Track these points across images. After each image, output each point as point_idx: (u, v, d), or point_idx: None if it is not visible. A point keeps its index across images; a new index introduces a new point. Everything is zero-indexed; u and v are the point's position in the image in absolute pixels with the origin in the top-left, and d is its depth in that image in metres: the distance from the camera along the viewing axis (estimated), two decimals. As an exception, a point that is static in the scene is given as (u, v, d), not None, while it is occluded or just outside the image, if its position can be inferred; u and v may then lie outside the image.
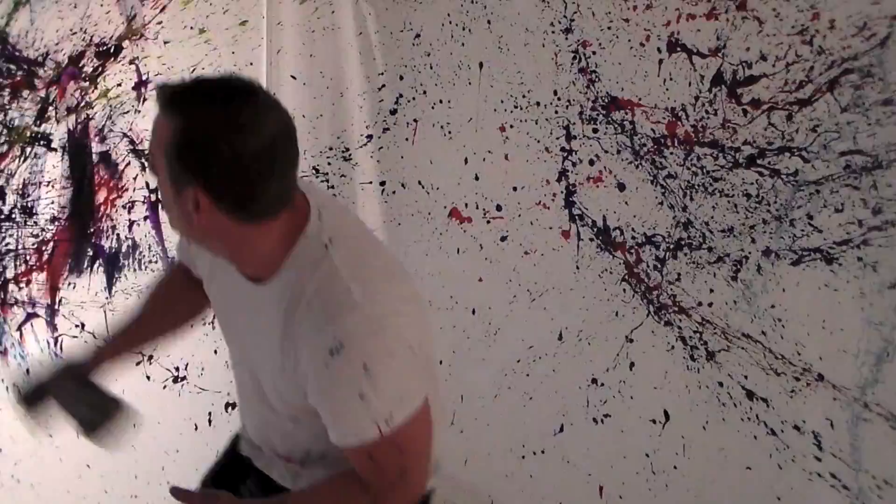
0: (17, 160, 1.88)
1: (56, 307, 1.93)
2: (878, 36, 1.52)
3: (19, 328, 1.87)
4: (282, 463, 1.31)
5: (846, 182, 1.60)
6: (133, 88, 2.03)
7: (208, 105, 1.00)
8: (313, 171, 2.39)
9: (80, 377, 1.28)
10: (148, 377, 2.03)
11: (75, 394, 1.27)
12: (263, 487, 1.33)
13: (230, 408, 2.24)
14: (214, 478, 1.46)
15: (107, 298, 2.00)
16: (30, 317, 1.90)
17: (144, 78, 2.02)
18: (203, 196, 1.01)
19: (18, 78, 1.80)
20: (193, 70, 2.10)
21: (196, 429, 2.16)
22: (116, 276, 2.02)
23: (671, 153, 1.82)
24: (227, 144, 0.99)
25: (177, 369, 2.12)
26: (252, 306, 1.14)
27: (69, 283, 1.94)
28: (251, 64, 2.24)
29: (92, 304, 1.98)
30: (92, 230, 1.97)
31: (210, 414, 2.19)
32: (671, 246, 1.85)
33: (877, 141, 1.56)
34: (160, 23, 2.01)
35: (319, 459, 1.24)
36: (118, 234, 2.02)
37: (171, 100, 1.03)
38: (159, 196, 1.11)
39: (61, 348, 1.93)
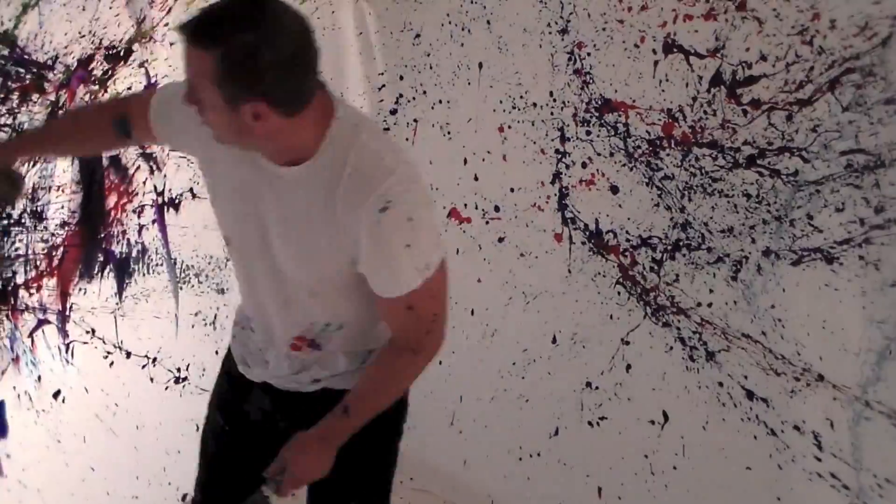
0: (26, 164, 1.89)
1: (67, 313, 1.95)
2: (879, 35, 1.50)
3: (31, 335, 1.88)
4: (288, 355, 1.41)
5: (847, 181, 1.59)
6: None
7: (239, 27, 1.11)
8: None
9: None
10: (151, 379, 2.05)
11: None
12: (271, 397, 1.47)
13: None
14: (223, 406, 1.58)
15: (117, 304, 2.02)
16: (41, 323, 1.91)
17: (153, 81, 2.03)
18: (261, 105, 1.13)
19: (28, 81, 1.81)
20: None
21: (198, 430, 2.17)
22: (127, 281, 2.04)
23: (667, 154, 1.81)
24: (269, 55, 1.10)
25: (178, 370, 2.13)
26: (284, 188, 1.26)
27: (80, 289, 1.96)
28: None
29: (102, 310, 2.00)
30: (102, 235, 1.99)
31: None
32: (668, 247, 1.85)
33: (879, 140, 1.54)
34: (167, 24, 2.02)
35: (336, 331, 1.37)
36: (128, 239, 2.03)
37: (200, 33, 1.13)
38: (205, 120, 1.20)
39: (72, 354, 1.95)
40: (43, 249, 1.91)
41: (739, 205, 1.74)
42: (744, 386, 1.79)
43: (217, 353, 2.16)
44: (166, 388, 2.11)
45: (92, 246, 1.98)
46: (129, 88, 1.98)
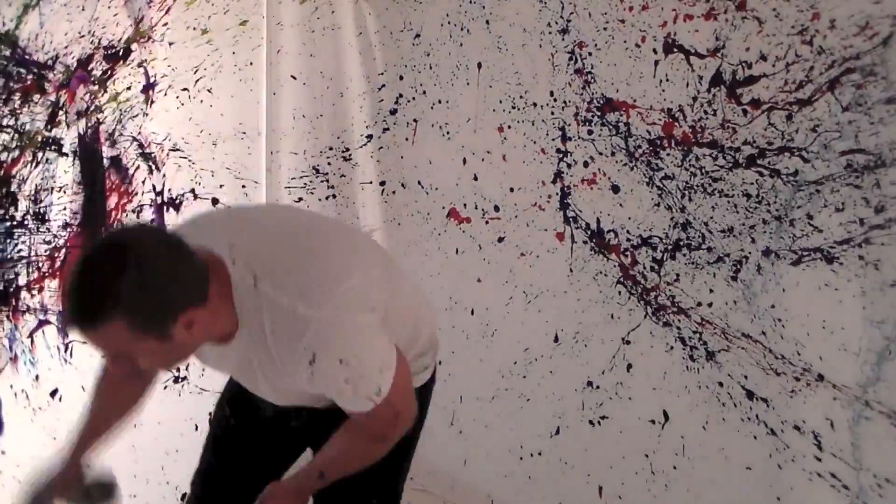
0: (28, 165, 1.88)
1: (69, 314, 1.94)
2: (880, 35, 1.50)
3: (31, 335, 1.88)
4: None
5: (847, 181, 1.59)
6: (142, 91, 2.04)
7: (117, 279, 1.07)
8: (313, 172, 2.39)
9: (69, 479, 1.43)
10: (164, 387, 2.05)
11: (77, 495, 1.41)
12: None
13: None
14: (233, 399, 1.60)
15: None
16: (42, 324, 1.90)
17: (152, 80, 2.03)
18: (186, 314, 1.12)
19: (29, 82, 1.80)
20: (196, 71, 2.11)
21: (196, 429, 2.17)
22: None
23: (668, 154, 1.81)
24: (161, 273, 1.09)
25: (177, 370, 2.13)
26: (238, 355, 1.28)
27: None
28: (251, 64, 2.25)
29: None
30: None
31: (211, 414, 2.20)
32: (669, 247, 1.85)
33: (879, 139, 1.54)
34: (165, 24, 2.01)
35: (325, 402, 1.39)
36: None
37: (91, 314, 1.09)
38: (146, 365, 1.21)
39: (71, 354, 1.94)
40: (45, 251, 1.91)
41: (739, 205, 1.73)
42: (744, 386, 1.79)
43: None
44: (165, 388, 2.10)
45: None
46: (129, 88, 1.98)
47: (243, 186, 2.27)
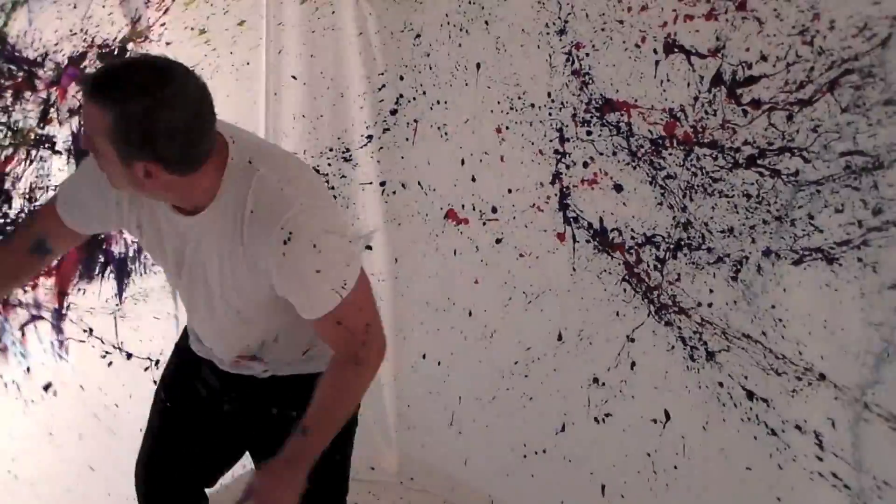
0: (23, 163, 1.88)
1: (64, 311, 1.94)
2: (878, 36, 1.50)
3: (22, 328, 1.87)
4: (232, 365, 1.49)
5: (846, 182, 1.59)
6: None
7: (137, 91, 1.14)
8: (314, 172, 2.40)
9: None
10: (155, 382, 2.05)
11: None
12: (218, 375, 1.53)
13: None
14: (169, 383, 1.64)
15: (117, 305, 2.01)
16: (34, 318, 1.90)
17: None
18: (153, 166, 1.17)
19: (20, 79, 1.80)
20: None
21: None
22: (126, 281, 2.03)
23: (670, 154, 1.81)
24: (164, 122, 1.14)
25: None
26: (195, 234, 1.31)
27: (79, 289, 1.95)
28: (248, 64, 2.25)
29: (102, 311, 1.99)
30: (103, 236, 1.98)
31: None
32: (671, 246, 1.85)
33: (878, 141, 1.54)
34: (163, 24, 2.01)
35: (273, 343, 1.45)
36: (125, 239, 2.02)
37: (99, 90, 1.16)
38: (101, 165, 1.24)
39: (67, 351, 1.94)
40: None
41: (739, 205, 1.74)
42: (744, 386, 1.79)
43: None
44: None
45: (93, 247, 1.97)
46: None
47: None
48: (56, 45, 1.82)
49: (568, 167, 1.96)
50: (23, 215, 1.85)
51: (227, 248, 1.28)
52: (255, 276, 1.29)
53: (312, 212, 1.27)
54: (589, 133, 1.91)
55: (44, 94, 1.83)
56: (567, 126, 1.93)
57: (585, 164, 1.93)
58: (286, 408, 1.47)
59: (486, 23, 2.04)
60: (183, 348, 1.62)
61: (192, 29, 2.08)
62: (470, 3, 2.06)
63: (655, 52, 1.78)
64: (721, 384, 1.82)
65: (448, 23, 2.10)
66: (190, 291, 1.42)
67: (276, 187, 1.26)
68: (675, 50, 1.76)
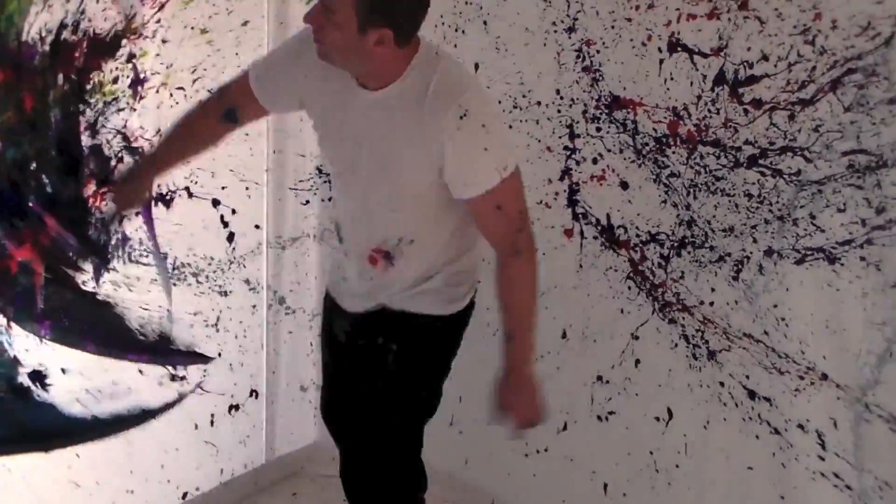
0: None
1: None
2: (882, 35, 1.51)
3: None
4: (363, 270, 1.61)
5: (849, 182, 1.60)
6: (129, 86, 2.01)
7: None
8: (317, 172, 2.38)
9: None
10: (160, 384, 2.04)
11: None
12: (349, 318, 1.69)
13: (233, 410, 2.25)
14: (322, 332, 1.81)
15: (94, 288, 1.98)
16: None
17: (143, 76, 2.00)
18: (387, 33, 1.34)
19: (9, 71, 1.78)
20: (194, 70, 2.09)
21: (196, 428, 2.16)
22: (104, 268, 2.00)
23: (673, 152, 1.82)
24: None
25: (176, 369, 2.11)
26: (375, 108, 1.46)
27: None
28: (252, 64, 2.23)
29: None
30: (78, 222, 1.95)
31: (212, 415, 2.20)
32: (675, 244, 1.85)
33: (881, 140, 1.55)
34: (158, 21, 1.99)
35: (408, 245, 1.56)
36: (107, 228, 1.99)
37: None
38: (323, 36, 1.38)
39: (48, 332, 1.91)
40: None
41: (741, 204, 1.74)
42: (745, 386, 1.79)
43: (220, 355, 2.17)
44: (161, 384, 2.07)
45: (68, 232, 1.94)
46: (115, 81, 1.95)
47: (246, 188, 2.25)
48: (42, 37, 1.78)
49: (578, 163, 1.96)
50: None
51: (405, 123, 1.43)
52: (425, 153, 1.43)
53: (484, 99, 1.50)
54: (598, 129, 1.91)
55: (30, 85, 1.80)
56: (577, 122, 1.94)
57: (595, 161, 1.93)
58: (389, 340, 1.62)
59: (485, 23, 2.04)
60: (326, 308, 1.78)
61: (192, 28, 2.07)
62: (467, 3, 2.06)
63: (660, 50, 1.79)
64: (722, 384, 1.82)
65: (443, 23, 2.10)
66: (354, 172, 1.54)
67: (456, 73, 1.47)
68: (679, 49, 1.77)
